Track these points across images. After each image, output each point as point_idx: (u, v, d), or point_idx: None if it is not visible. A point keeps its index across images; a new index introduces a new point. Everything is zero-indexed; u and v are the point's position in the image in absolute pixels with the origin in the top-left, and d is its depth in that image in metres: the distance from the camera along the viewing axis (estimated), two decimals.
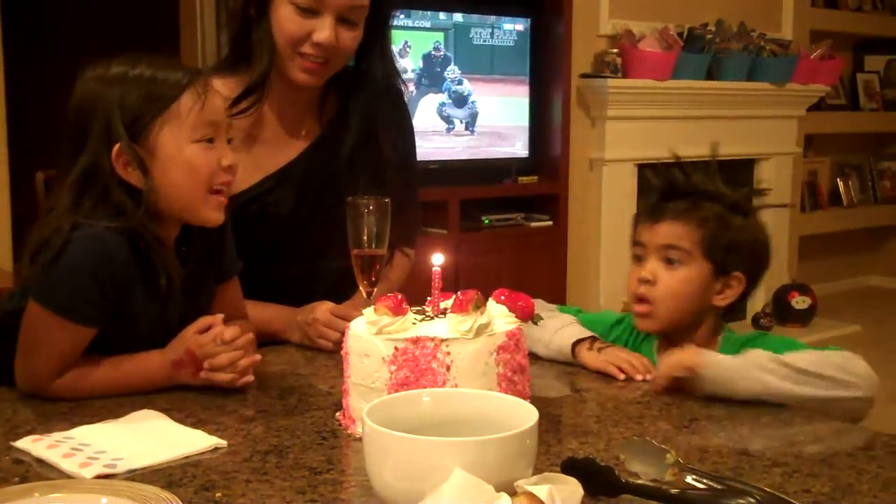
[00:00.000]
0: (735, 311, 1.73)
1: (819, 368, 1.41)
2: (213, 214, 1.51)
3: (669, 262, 1.62)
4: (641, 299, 1.64)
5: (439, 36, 4.12)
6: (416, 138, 2.03)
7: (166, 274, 1.46)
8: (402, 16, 3.93)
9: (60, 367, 1.42)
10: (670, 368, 1.48)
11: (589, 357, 1.61)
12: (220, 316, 1.49)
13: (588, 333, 1.65)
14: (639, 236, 1.67)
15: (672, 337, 1.64)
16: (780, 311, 5.37)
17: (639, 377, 1.54)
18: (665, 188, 1.67)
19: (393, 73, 1.92)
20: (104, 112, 1.43)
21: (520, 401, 1.10)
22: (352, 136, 1.85)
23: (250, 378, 1.48)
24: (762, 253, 1.68)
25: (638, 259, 1.67)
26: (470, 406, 1.11)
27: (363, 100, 1.86)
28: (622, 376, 1.55)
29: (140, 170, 1.43)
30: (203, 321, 1.49)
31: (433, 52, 4.10)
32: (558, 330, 1.66)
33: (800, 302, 5.39)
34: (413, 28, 4.02)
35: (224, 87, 1.76)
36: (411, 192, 1.96)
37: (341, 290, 1.80)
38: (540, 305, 1.73)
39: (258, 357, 1.50)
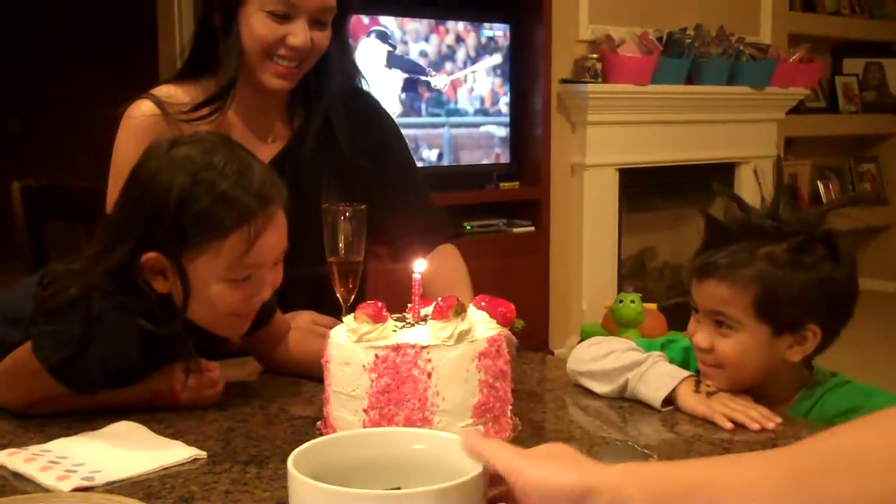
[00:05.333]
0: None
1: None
2: (228, 334, 1.46)
3: (720, 326, 1.42)
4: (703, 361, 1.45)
5: (419, 42, 4.12)
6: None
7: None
8: (381, 24, 3.93)
9: (37, 401, 1.39)
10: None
11: (693, 401, 1.40)
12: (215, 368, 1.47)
13: (683, 372, 1.44)
14: (692, 291, 1.46)
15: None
16: None
17: (755, 426, 1.34)
18: (716, 232, 1.44)
19: (354, 72, 1.92)
20: (163, 207, 1.33)
21: None
22: (312, 137, 1.85)
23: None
24: (841, 298, 1.43)
25: (695, 312, 1.47)
26: (415, 448, 0.98)
27: (325, 100, 1.86)
28: (730, 426, 1.34)
29: (168, 283, 1.37)
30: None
31: (414, 59, 4.10)
32: (648, 366, 1.45)
33: None
34: (393, 35, 4.02)
35: (186, 96, 1.77)
36: (421, 195, 1.98)
37: (318, 298, 1.79)
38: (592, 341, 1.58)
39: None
